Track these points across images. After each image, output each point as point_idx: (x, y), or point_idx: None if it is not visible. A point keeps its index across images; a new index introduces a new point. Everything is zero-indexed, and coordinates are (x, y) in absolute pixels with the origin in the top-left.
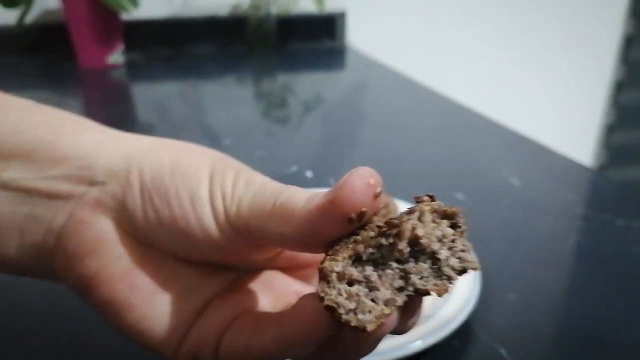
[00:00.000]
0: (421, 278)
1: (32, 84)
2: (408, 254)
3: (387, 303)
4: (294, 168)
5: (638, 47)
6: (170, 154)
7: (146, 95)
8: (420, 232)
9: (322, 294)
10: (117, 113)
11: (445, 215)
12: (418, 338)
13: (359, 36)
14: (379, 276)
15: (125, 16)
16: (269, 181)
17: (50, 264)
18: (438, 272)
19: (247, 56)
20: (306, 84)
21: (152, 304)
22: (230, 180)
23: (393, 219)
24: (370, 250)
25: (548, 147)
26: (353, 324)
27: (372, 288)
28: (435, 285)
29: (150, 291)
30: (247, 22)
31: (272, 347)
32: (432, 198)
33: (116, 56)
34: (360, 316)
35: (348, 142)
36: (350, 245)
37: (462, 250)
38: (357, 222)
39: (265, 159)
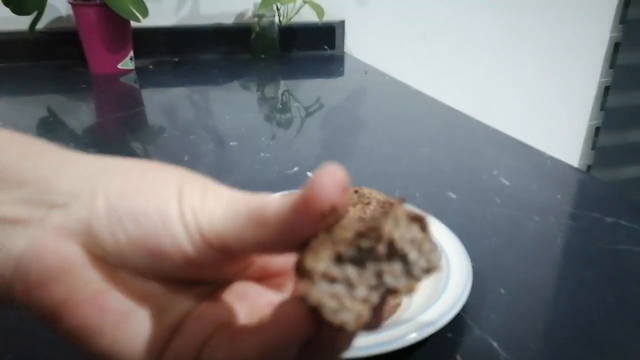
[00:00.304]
0: (394, 278)
1: (43, 90)
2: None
3: (364, 302)
4: (296, 169)
5: (625, 52)
6: (136, 174)
7: (155, 100)
8: (396, 235)
9: (305, 294)
10: (127, 117)
11: (415, 219)
12: (413, 330)
13: (357, 44)
14: (358, 275)
15: (134, 24)
16: (237, 192)
17: (7, 292)
18: (408, 273)
19: (251, 63)
20: (307, 90)
21: (124, 326)
22: (199, 195)
23: (371, 222)
24: (351, 250)
25: (537, 149)
26: (336, 323)
27: (351, 287)
28: (405, 285)
29: (121, 314)
30: (251, 30)
31: (255, 356)
32: (403, 201)
33: (126, 62)
34: (341, 315)
35: (346, 144)
36: (330, 244)
37: (430, 251)
38: (330, 217)
39: (269, 161)
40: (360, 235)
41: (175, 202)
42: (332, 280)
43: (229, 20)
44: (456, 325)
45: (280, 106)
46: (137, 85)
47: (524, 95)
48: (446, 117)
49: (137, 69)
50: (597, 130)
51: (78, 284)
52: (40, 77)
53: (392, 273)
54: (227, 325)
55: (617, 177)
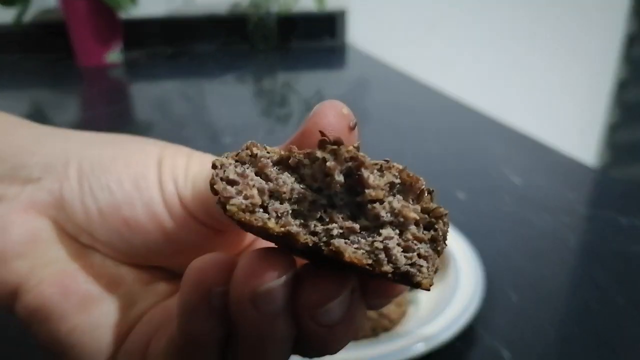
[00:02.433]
0: (342, 236)
1: (30, 83)
2: (341, 189)
3: (279, 217)
4: None
5: None
6: (113, 144)
7: (146, 93)
8: (368, 176)
9: (214, 176)
10: (115, 111)
11: (421, 200)
12: (421, 340)
13: (360, 34)
14: (293, 191)
15: (126, 15)
16: None
17: None
18: (369, 246)
19: (247, 55)
20: (307, 83)
21: (87, 314)
22: (183, 162)
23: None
24: (300, 157)
25: (550, 146)
26: (223, 195)
27: (275, 195)
28: (353, 252)
29: (86, 299)
30: (248, 20)
31: (177, 330)
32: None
33: (115, 55)
34: (236, 198)
35: None
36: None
37: (420, 255)
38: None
39: None
40: (321, 147)
41: (155, 169)
42: (261, 175)
43: (224, 9)
44: (465, 334)
45: (279, 100)
46: (127, 78)
47: (534, 89)
48: (453, 112)
49: (128, 61)
50: (612, 126)
51: (43, 260)
52: (28, 71)
53: (343, 228)
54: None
55: (633, 175)
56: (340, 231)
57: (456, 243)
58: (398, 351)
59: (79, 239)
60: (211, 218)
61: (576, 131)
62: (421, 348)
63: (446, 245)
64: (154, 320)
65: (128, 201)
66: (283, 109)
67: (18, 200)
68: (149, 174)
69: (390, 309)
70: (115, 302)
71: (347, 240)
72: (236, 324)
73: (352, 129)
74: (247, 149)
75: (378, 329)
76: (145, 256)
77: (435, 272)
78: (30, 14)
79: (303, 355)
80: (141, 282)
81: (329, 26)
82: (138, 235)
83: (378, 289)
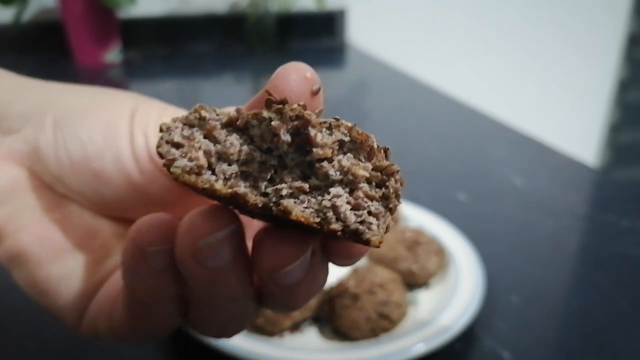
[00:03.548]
0: (292, 196)
1: None
2: (290, 149)
3: (227, 179)
4: None
5: None
6: (90, 93)
7: (144, 93)
8: (315, 134)
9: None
10: None
11: (373, 157)
12: (420, 341)
13: (359, 34)
14: (241, 152)
15: (123, 14)
16: None
17: None
18: (318, 205)
19: (245, 54)
20: None
21: (62, 262)
22: (155, 115)
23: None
24: (248, 117)
25: (551, 147)
26: (166, 158)
27: (223, 157)
28: (301, 211)
29: (62, 248)
30: (246, 19)
31: (124, 287)
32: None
33: (113, 54)
34: (179, 160)
35: None
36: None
37: (371, 213)
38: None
39: None
40: (269, 107)
41: (126, 121)
42: (210, 137)
43: (222, 8)
44: (465, 336)
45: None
46: (125, 78)
47: (535, 89)
48: (454, 112)
49: (125, 61)
50: (614, 127)
51: (21, 208)
52: (26, 70)
53: (293, 189)
54: None
55: (635, 176)
56: (290, 191)
57: (457, 244)
58: (398, 352)
59: (55, 188)
60: None
61: (577, 132)
62: (421, 349)
63: (399, 202)
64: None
65: (98, 153)
66: None
67: None
68: (121, 126)
69: (390, 309)
70: (90, 253)
71: (296, 200)
72: (187, 282)
73: (315, 93)
74: (195, 111)
75: (378, 330)
76: (119, 208)
77: (387, 230)
78: (28, 14)
79: (268, 308)
80: (117, 236)
81: (327, 26)
82: (108, 188)
83: (340, 250)
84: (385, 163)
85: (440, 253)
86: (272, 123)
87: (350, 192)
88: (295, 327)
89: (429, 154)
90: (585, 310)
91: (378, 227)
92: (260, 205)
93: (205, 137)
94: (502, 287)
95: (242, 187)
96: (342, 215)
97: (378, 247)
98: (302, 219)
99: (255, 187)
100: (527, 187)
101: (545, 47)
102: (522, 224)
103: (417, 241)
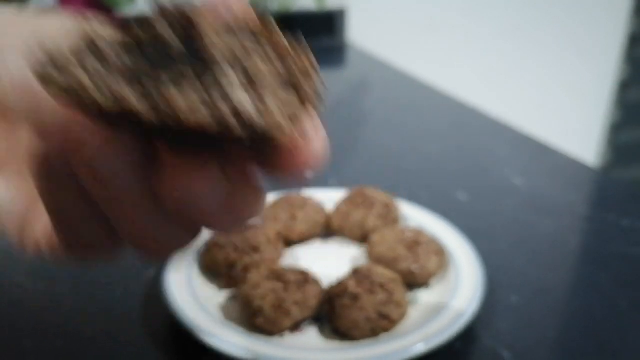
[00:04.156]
0: (176, 86)
1: None
2: (184, 54)
3: (113, 94)
4: None
5: None
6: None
7: None
8: (204, 27)
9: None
10: None
11: (284, 56)
12: (420, 341)
13: (360, 33)
14: (127, 63)
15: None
16: None
17: None
18: (210, 104)
19: None
20: None
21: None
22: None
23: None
24: (133, 24)
25: (552, 147)
26: (40, 74)
27: (109, 69)
28: (202, 117)
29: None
30: None
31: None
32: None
33: None
34: (56, 76)
35: (348, 140)
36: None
37: (281, 114)
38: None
39: None
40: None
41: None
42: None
43: None
44: (466, 335)
45: None
46: None
47: (535, 89)
48: (455, 112)
49: None
50: (614, 127)
51: None
52: None
53: (179, 79)
54: None
55: (636, 176)
56: (173, 83)
57: (457, 244)
58: (398, 351)
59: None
60: None
61: (577, 132)
62: (421, 348)
63: (320, 103)
64: None
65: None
66: None
67: None
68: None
69: (390, 309)
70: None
71: (181, 88)
72: (85, 186)
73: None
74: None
75: (378, 330)
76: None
77: (296, 120)
78: None
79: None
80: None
81: (327, 25)
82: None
83: (267, 164)
84: (299, 62)
85: (440, 253)
86: (156, 26)
87: (257, 95)
88: (295, 327)
89: (429, 154)
90: (585, 310)
91: (290, 129)
92: (154, 121)
93: (91, 52)
94: (502, 287)
95: (132, 98)
96: (247, 122)
97: (291, 146)
98: (193, 122)
99: (147, 97)
100: (527, 187)
101: (545, 46)
102: (522, 224)
103: (417, 241)
